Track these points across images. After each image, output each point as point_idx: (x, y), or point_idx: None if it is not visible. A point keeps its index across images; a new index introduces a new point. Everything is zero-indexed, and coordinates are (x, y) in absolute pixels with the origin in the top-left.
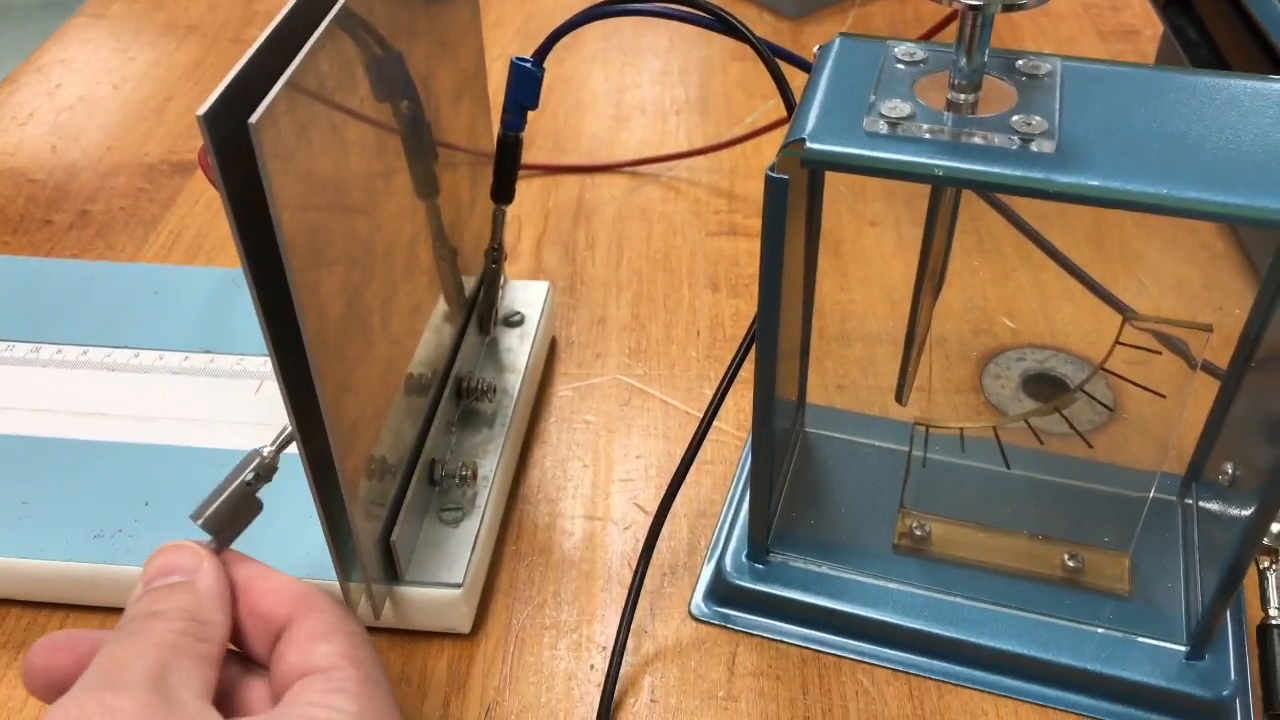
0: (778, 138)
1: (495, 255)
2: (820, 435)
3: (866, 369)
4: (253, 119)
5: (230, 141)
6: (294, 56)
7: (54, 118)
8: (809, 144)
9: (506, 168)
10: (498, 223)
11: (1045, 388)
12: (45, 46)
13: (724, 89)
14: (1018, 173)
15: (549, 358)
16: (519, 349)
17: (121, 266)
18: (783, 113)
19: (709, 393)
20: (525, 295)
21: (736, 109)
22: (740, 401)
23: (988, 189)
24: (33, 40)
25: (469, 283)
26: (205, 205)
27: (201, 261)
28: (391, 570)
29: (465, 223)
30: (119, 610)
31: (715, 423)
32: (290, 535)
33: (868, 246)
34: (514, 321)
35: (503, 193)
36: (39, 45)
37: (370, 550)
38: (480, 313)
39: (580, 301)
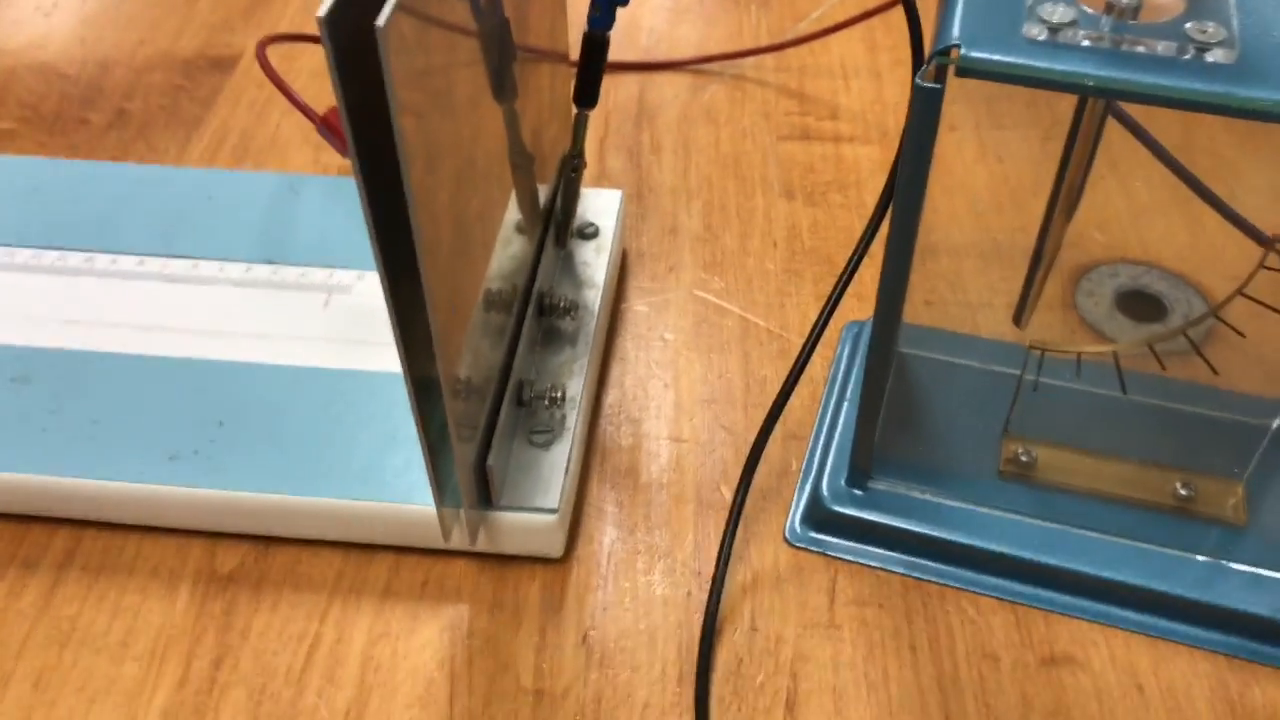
0: (848, 36)
1: (575, 163)
2: (914, 356)
3: (954, 284)
4: (380, 21)
5: (345, 46)
6: None
7: (80, 7)
8: (966, 51)
9: (592, 68)
10: (579, 128)
11: (1141, 305)
12: None
13: None
14: (1198, 85)
15: (621, 271)
16: (595, 262)
17: (172, 170)
18: (850, 12)
19: (789, 308)
20: (597, 205)
21: (801, 2)
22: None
23: (1165, 104)
24: None
25: (543, 193)
26: (248, 105)
27: (250, 165)
28: (485, 495)
29: (544, 129)
30: (198, 533)
31: (797, 341)
32: (374, 460)
33: (948, 154)
34: (588, 233)
35: (586, 95)
36: None
37: (467, 475)
38: (558, 224)
39: (649, 210)
